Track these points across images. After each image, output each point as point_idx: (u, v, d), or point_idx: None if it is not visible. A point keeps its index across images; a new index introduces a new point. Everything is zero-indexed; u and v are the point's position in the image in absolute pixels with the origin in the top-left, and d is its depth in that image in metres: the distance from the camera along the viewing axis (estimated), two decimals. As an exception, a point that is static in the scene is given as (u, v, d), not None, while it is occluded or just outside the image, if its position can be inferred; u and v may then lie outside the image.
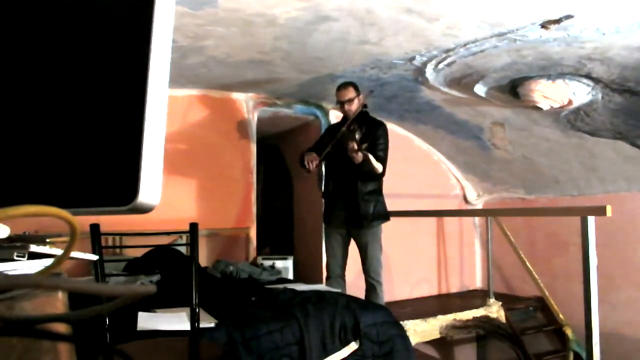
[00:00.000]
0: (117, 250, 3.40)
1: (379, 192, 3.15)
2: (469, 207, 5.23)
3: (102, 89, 0.41)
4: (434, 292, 4.92)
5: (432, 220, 5.00)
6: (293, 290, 2.70)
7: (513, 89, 3.37)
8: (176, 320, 2.05)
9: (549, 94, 3.16)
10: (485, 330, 4.01)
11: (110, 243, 3.35)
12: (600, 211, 2.59)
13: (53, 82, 0.43)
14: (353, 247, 3.24)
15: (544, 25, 2.44)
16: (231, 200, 4.09)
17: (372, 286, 3.12)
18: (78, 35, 0.43)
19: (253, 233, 4.17)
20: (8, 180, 0.43)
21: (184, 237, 2.15)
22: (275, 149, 5.44)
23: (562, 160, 4.06)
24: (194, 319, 1.82)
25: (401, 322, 2.67)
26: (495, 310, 4.07)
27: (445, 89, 3.61)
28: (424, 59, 3.07)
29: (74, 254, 0.59)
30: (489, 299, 4.15)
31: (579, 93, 3.14)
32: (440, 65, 3.15)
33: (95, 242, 1.75)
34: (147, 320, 2.02)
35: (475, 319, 3.97)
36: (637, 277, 3.75)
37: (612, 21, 2.34)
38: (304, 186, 4.81)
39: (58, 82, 0.43)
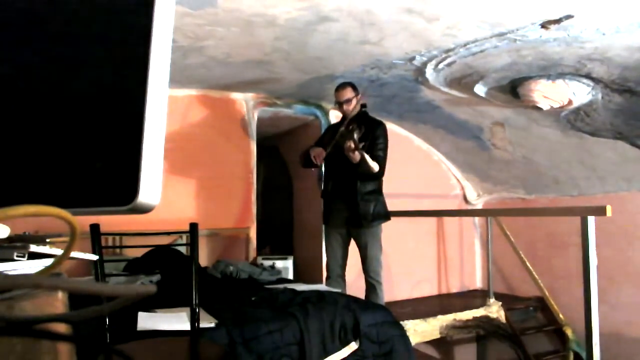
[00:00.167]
0: (117, 250, 3.40)
1: (378, 191, 3.15)
2: (469, 207, 5.23)
3: (102, 89, 0.41)
4: (434, 292, 4.92)
5: (432, 220, 4.99)
6: (293, 290, 2.70)
7: (513, 89, 3.37)
8: (176, 320, 2.05)
9: (549, 94, 3.16)
10: (485, 330, 4.01)
11: (110, 243, 3.35)
12: (600, 211, 2.58)
13: (53, 82, 0.43)
14: (353, 247, 3.24)
15: (544, 25, 2.44)
16: (231, 200, 4.09)
17: (372, 286, 3.12)
18: (78, 35, 0.43)
19: (253, 233, 4.17)
20: (8, 180, 0.43)
21: (184, 237, 2.15)
22: (275, 149, 5.44)
23: (562, 160, 4.06)
24: (194, 319, 1.82)
25: (401, 322, 2.67)
26: (495, 310, 4.07)
27: (445, 89, 3.61)
28: (424, 59, 3.07)
29: (74, 254, 0.59)
30: (489, 299, 4.15)
31: (579, 93, 3.14)
32: (440, 65, 3.15)
33: (95, 242, 1.75)
34: (147, 320, 2.02)
35: (475, 319, 3.98)
36: (637, 277, 3.75)
37: (612, 21, 2.34)
38: (304, 186, 4.81)
39: (58, 82, 0.43)
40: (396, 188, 4.01)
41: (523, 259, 4.17)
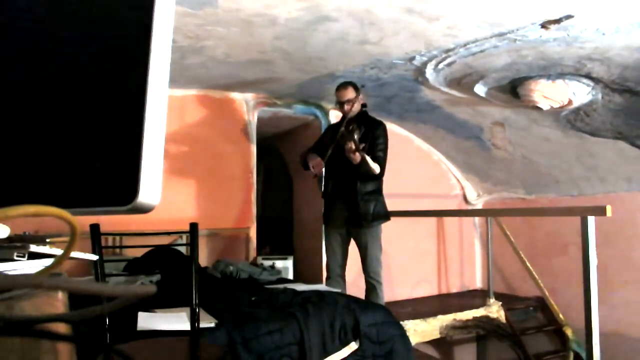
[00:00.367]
0: (117, 250, 3.40)
1: (378, 191, 3.15)
2: (469, 207, 5.23)
3: (102, 89, 0.41)
4: (434, 292, 4.92)
5: (432, 220, 4.99)
6: (293, 290, 2.70)
7: (513, 89, 3.37)
8: (176, 320, 2.05)
9: (549, 94, 3.16)
10: (485, 330, 4.01)
11: (110, 243, 3.35)
12: (600, 211, 2.59)
13: (53, 81, 0.43)
14: (353, 247, 3.24)
15: (544, 25, 2.44)
16: (231, 200, 4.09)
17: (372, 286, 3.12)
18: (78, 36, 0.43)
19: (253, 233, 4.17)
20: (8, 180, 0.43)
21: (184, 237, 2.15)
22: (275, 149, 5.44)
23: (562, 160, 4.06)
24: (194, 319, 1.82)
25: (401, 322, 2.67)
26: (495, 310, 4.07)
27: (445, 89, 3.61)
28: (424, 59, 3.07)
29: (74, 254, 0.59)
30: (489, 299, 4.15)
31: (579, 93, 3.14)
32: (440, 65, 3.15)
33: (95, 242, 1.75)
34: (147, 320, 2.02)
35: (475, 319, 3.98)
36: (637, 277, 3.75)
37: (612, 21, 2.34)
38: (304, 186, 4.81)
39: (58, 82, 0.43)
40: (396, 188, 4.00)
41: (523, 259, 4.17)
